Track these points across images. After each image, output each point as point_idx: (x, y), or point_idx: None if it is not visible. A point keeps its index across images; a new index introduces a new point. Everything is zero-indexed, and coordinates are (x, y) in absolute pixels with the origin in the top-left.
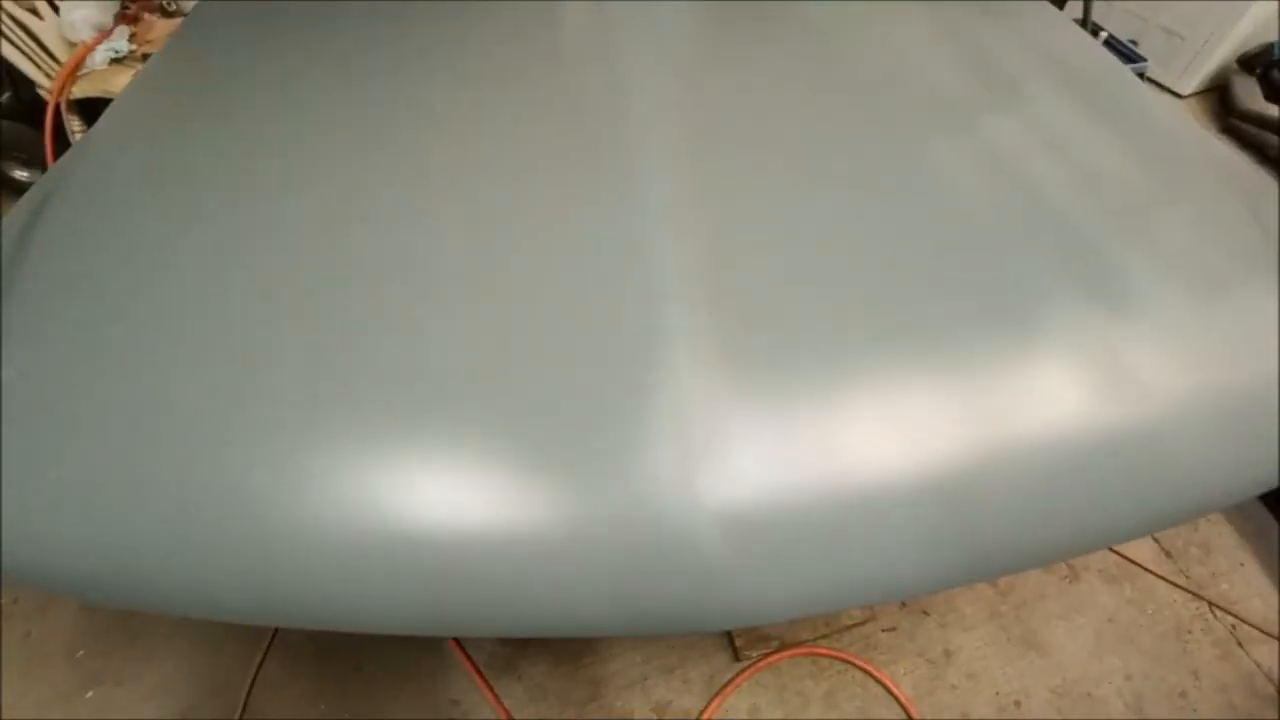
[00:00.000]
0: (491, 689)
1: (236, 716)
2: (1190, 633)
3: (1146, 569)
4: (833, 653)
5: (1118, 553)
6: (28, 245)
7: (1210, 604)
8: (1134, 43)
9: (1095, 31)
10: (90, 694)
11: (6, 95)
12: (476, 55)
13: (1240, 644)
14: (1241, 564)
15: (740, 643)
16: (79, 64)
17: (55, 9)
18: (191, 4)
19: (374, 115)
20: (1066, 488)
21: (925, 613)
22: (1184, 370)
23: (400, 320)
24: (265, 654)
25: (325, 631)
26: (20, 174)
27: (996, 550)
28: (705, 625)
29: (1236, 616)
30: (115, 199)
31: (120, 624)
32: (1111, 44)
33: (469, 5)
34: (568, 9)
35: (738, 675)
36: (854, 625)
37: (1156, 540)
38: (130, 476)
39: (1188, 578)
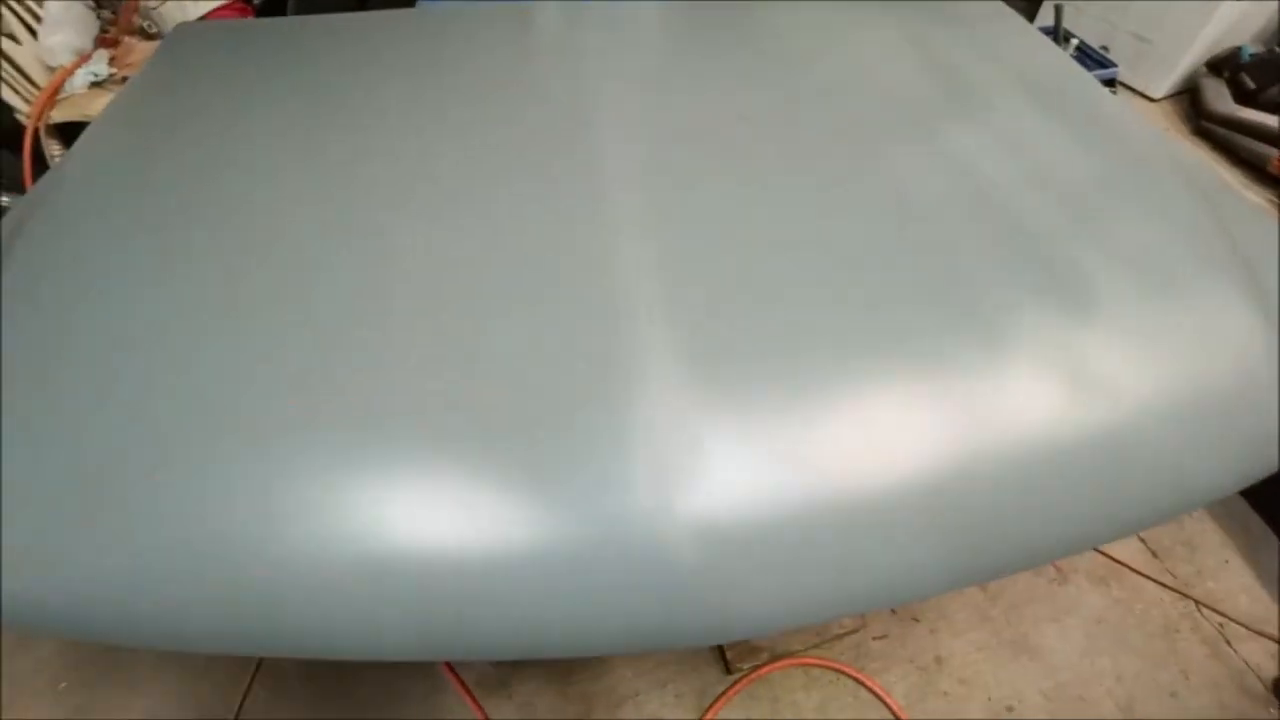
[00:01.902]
0: (482, 709)
1: None
2: (1179, 631)
3: (1133, 569)
4: (824, 662)
5: (1104, 553)
6: (4, 272)
7: (1197, 602)
8: (1104, 49)
9: (1066, 38)
10: None
11: None
12: (448, 72)
13: (1228, 641)
14: (1226, 561)
15: (731, 655)
16: (58, 88)
17: (33, 34)
18: (172, 21)
19: (344, 139)
20: (1043, 490)
21: (916, 619)
22: (1151, 370)
23: (370, 343)
24: (252, 680)
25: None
26: (1, 199)
27: (977, 555)
28: (687, 640)
29: (1224, 614)
30: (90, 226)
31: (104, 654)
32: (1082, 50)
33: (441, 21)
34: (534, 20)
35: (729, 688)
36: (845, 634)
37: (1142, 540)
38: (105, 509)
39: (1174, 576)
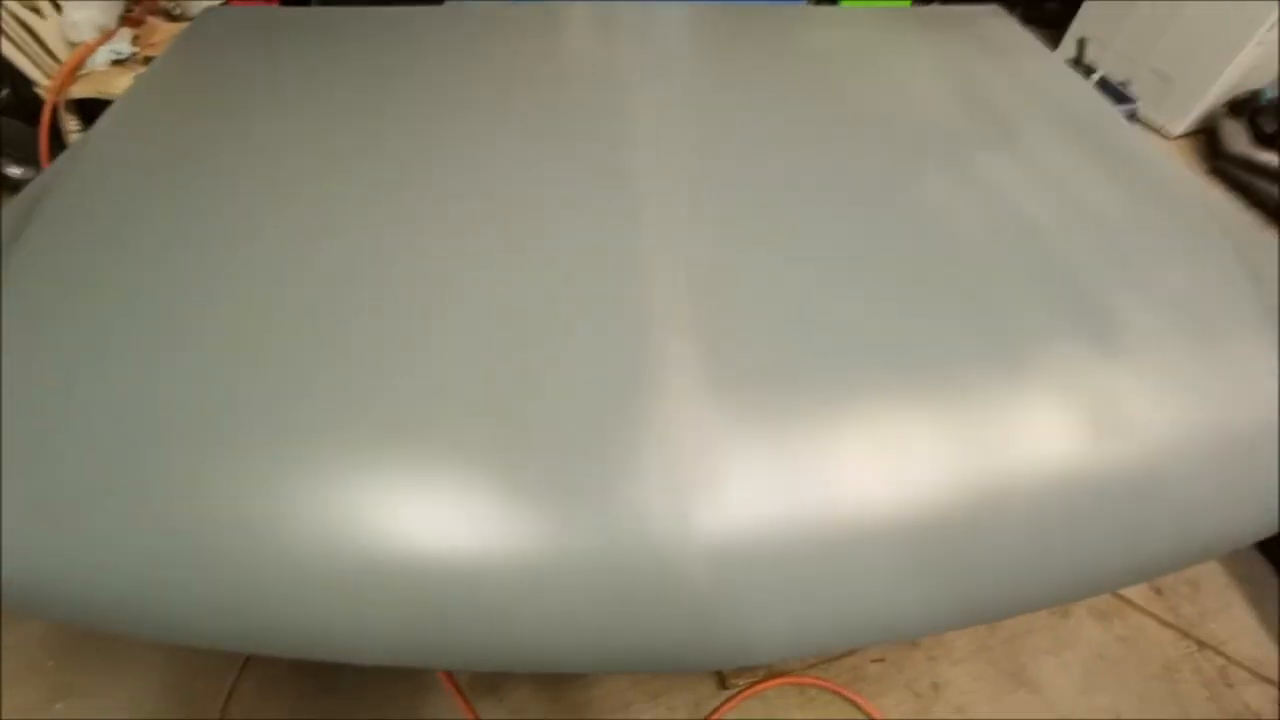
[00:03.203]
0: (473, 710)
1: None
2: (1179, 672)
3: (1137, 606)
4: (820, 682)
5: None
6: (19, 248)
7: (1200, 643)
8: (1125, 84)
9: (1089, 72)
10: (59, 706)
11: (4, 92)
12: (484, 74)
13: (1230, 684)
14: (1230, 604)
15: (727, 671)
16: (79, 64)
17: (58, 8)
18: (196, 7)
19: (372, 136)
20: (1062, 531)
21: (914, 645)
22: (1177, 413)
23: (391, 343)
24: (240, 671)
25: None
26: (14, 171)
27: (991, 593)
28: (693, 663)
29: (1226, 656)
30: (109, 204)
31: (92, 636)
32: (1104, 84)
33: (480, 21)
34: (572, 31)
35: (724, 703)
36: (842, 655)
37: None
38: (111, 493)
39: (1178, 616)
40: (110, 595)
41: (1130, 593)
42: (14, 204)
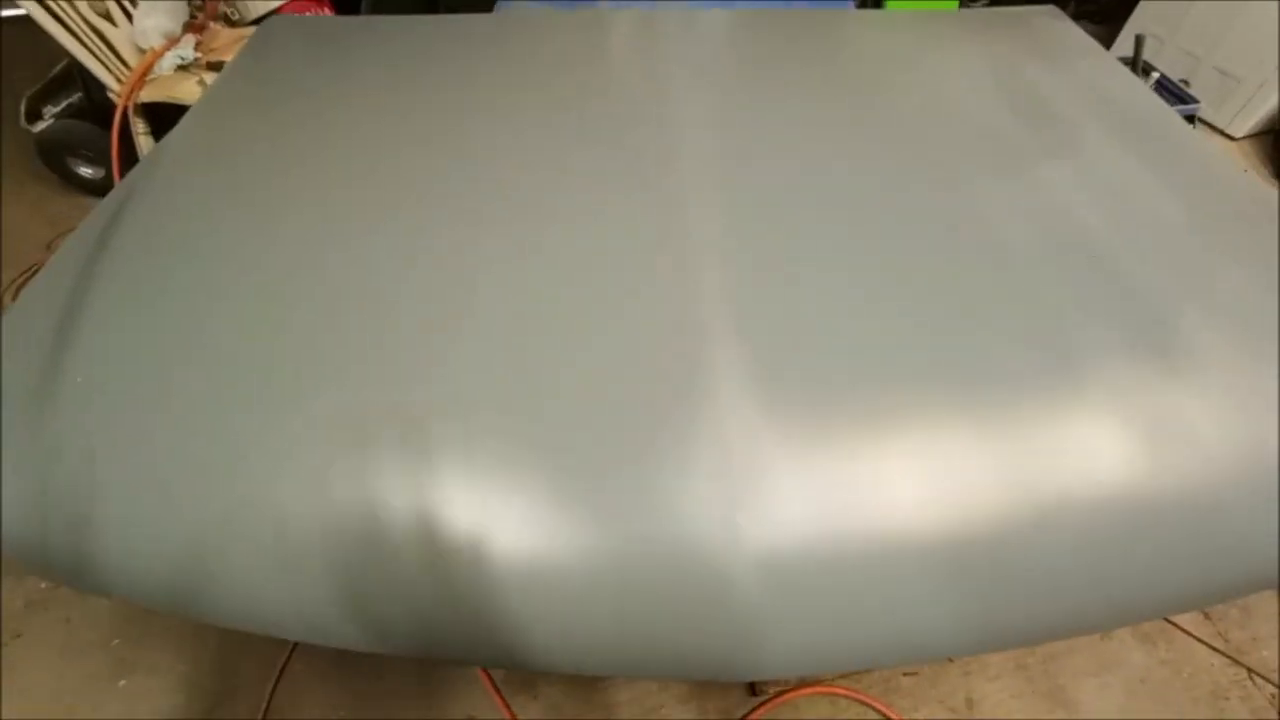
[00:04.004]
0: (508, 706)
1: (260, 716)
2: (1228, 699)
3: (1184, 629)
4: (852, 693)
5: None
6: (103, 255)
7: (1250, 670)
8: (1185, 83)
9: (1147, 71)
10: (123, 683)
11: (78, 96)
12: (530, 84)
13: None
14: None
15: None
16: (148, 69)
17: (129, 16)
18: (256, 8)
19: (429, 143)
20: (1114, 553)
21: (950, 659)
22: (1238, 432)
23: (447, 348)
24: (290, 655)
25: None
26: (86, 171)
27: (1038, 616)
28: (734, 673)
29: (1277, 685)
30: (190, 209)
31: (156, 615)
32: (1162, 85)
33: (529, 27)
34: (614, 40)
35: (754, 710)
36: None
37: None
38: (183, 488)
39: (1226, 641)
40: (185, 575)
41: (1177, 616)
42: (99, 210)
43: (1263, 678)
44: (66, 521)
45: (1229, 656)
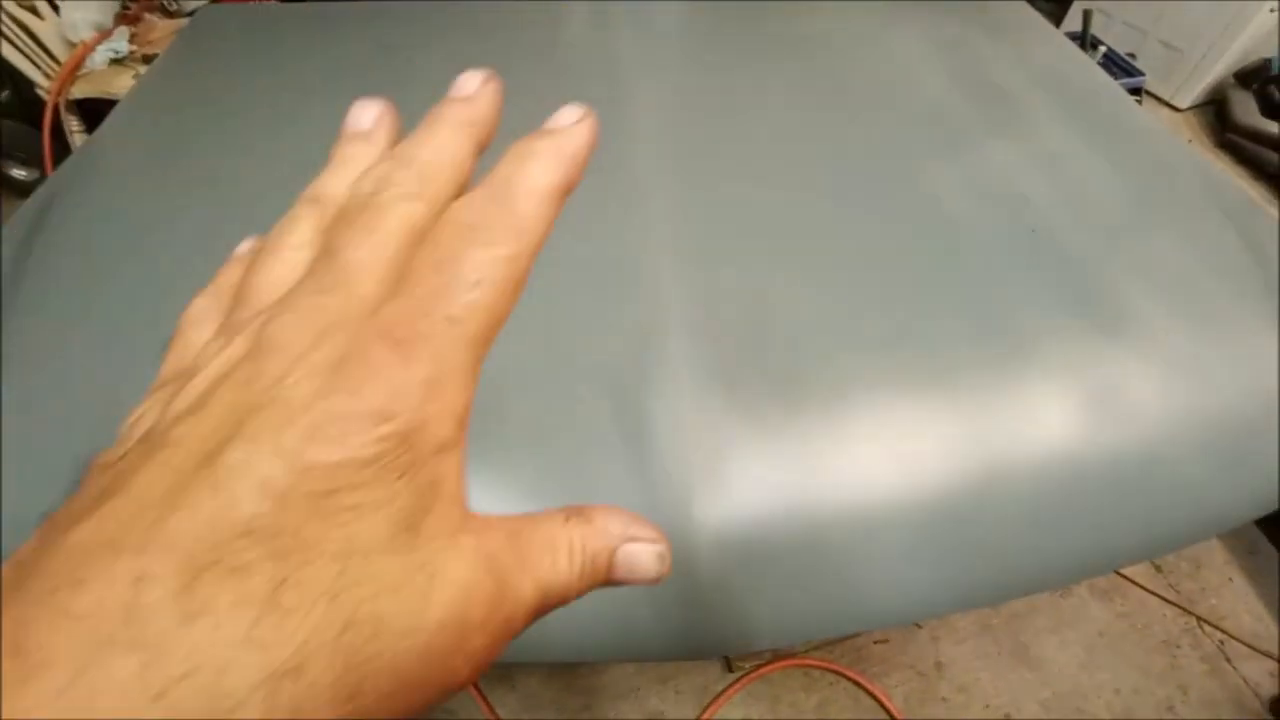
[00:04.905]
0: (485, 698)
1: None
2: (1179, 647)
3: (1137, 584)
4: (824, 664)
5: None
6: (29, 256)
7: (1199, 619)
8: (1132, 56)
9: (1094, 45)
10: None
11: (5, 94)
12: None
13: (1228, 659)
14: (1230, 579)
15: (733, 655)
16: (78, 64)
17: (55, 9)
18: (193, 4)
19: None
20: (1065, 513)
21: (917, 625)
22: (1178, 394)
23: None
24: None
25: None
26: (19, 173)
27: (996, 575)
28: (699, 650)
29: (1225, 632)
30: (122, 207)
31: None
32: (1109, 58)
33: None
34: (565, 20)
35: (730, 686)
36: (846, 637)
37: None
38: None
39: (1177, 592)
40: None
41: (1131, 570)
42: (25, 208)
43: (1211, 625)
44: None
45: (1180, 607)
